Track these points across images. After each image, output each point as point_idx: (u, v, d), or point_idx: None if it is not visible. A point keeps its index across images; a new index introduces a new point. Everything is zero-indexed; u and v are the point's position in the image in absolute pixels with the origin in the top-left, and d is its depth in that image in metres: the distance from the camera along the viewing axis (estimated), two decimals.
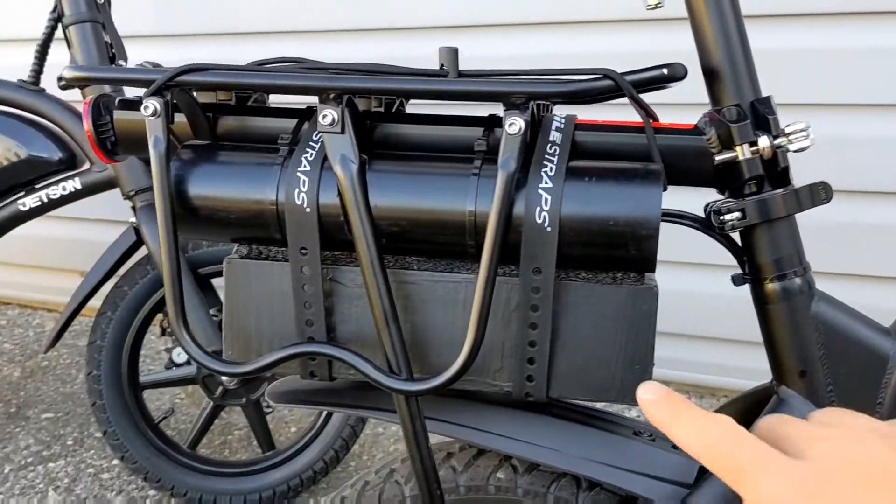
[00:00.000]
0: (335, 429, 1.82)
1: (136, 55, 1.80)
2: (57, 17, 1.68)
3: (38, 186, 1.79)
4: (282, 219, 0.71)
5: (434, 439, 0.78)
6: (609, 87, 0.65)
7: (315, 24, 2.20)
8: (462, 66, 0.77)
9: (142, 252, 1.77)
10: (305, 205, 0.70)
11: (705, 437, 0.51)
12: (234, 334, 0.76)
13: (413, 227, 0.70)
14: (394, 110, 0.80)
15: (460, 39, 2.04)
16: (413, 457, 0.74)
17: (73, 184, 1.76)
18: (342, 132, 0.69)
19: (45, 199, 1.78)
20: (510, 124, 0.65)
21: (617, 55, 1.91)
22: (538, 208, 0.67)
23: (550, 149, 0.70)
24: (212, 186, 0.73)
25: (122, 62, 1.72)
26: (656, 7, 0.75)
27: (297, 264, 0.72)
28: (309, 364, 0.75)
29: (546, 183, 0.67)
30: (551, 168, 0.68)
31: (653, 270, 0.69)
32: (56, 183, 1.77)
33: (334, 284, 0.74)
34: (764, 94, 0.72)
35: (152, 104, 0.70)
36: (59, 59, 1.68)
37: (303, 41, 2.23)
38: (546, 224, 0.67)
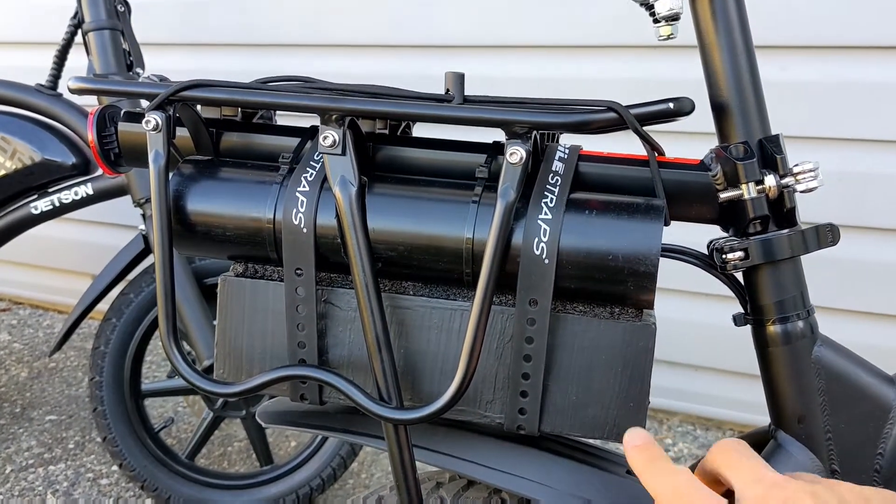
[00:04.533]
0: (334, 446, 1.81)
1: (155, 63, 1.81)
2: (77, 23, 1.69)
3: (51, 190, 1.80)
4: (278, 238, 0.71)
5: (426, 468, 0.77)
6: (613, 119, 0.64)
7: (334, 38, 2.21)
8: (469, 86, 0.76)
9: (150, 260, 1.77)
10: (303, 225, 0.69)
11: (667, 487, 0.59)
12: (225, 352, 0.75)
13: (410, 252, 0.69)
14: (399, 133, 0.80)
15: (474, 58, 2.05)
16: (399, 486, 0.73)
17: (86, 189, 1.77)
18: (343, 154, 0.68)
19: (57, 203, 1.79)
20: (511, 153, 0.64)
21: (628, 81, 1.90)
22: (536, 239, 0.66)
23: (552, 179, 0.69)
24: (209, 202, 0.72)
25: (139, 70, 1.73)
26: (668, 38, 0.74)
27: (291, 285, 0.71)
28: (299, 387, 0.74)
29: (545, 214, 0.66)
30: (552, 199, 0.67)
31: (651, 307, 0.68)
32: (69, 187, 1.78)
33: (329, 307, 0.73)
34: (774, 131, 0.71)
35: (154, 118, 0.70)
36: (79, 64, 1.70)
37: (322, 55, 2.23)
38: (544, 255, 0.66)
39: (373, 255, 0.69)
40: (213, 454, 2.16)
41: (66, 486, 2.05)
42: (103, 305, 1.81)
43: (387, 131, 0.77)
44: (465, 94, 0.73)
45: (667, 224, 0.72)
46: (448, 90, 0.75)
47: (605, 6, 1.88)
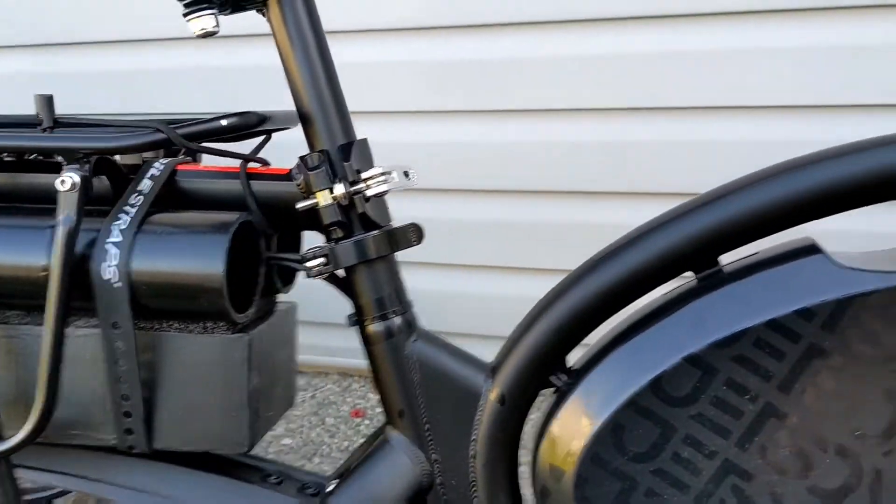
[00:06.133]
0: None
1: None
2: None
3: None
4: None
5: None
6: (162, 139, 0.65)
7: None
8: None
9: None
10: None
11: None
12: None
13: None
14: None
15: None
16: None
17: None
18: None
19: None
20: (62, 181, 0.64)
21: None
22: (105, 264, 0.66)
23: (134, 199, 0.69)
24: None
25: None
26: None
27: None
28: None
29: (116, 237, 0.67)
30: (125, 221, 0.67)
31: (229, 322, 0.69)
32: None
33: None
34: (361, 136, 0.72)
35: None
36: None
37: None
38: (114, 279, 0.66)
39: None
40: None
41: None
42: None
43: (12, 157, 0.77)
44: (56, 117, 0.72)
45: (271, 234, 0.73)
46: (38, 114, 0.74)
47: None
